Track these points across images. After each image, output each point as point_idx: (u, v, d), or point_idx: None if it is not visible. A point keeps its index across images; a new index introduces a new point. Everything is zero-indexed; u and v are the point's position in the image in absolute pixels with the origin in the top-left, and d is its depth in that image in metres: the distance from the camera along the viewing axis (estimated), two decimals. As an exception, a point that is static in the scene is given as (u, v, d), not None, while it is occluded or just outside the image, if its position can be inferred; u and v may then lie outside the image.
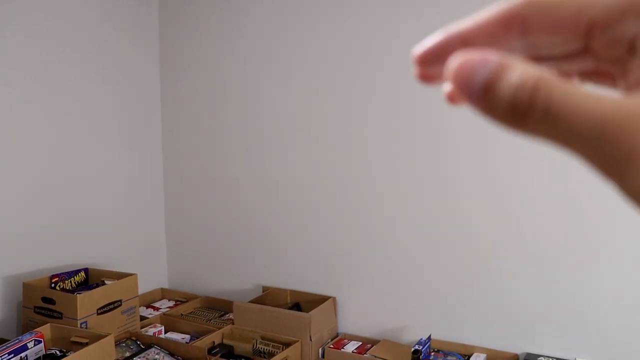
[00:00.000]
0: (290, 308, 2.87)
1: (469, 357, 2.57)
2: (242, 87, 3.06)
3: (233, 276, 3.20)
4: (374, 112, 2.73)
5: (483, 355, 2.55)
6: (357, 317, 2.87)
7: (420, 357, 2.44)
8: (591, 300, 2.42)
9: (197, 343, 2.58)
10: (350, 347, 2.72)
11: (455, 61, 0.23)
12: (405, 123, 2.67)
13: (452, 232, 2.63)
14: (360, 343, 2.77)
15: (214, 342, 2.69)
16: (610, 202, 2.32)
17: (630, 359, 2.38)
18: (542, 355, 2.51)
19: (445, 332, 2.67)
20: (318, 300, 2.85)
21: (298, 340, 2.64)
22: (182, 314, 3.02)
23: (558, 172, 2.40)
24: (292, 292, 3.01)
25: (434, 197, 2.64)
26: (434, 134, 2.62)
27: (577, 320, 2.46)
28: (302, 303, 2.95)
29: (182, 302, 3.17)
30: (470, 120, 2.51)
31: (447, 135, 2.59)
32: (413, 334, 2.71)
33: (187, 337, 2.78)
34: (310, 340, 2.65)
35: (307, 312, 2.69)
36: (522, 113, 0.22)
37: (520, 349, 2.57)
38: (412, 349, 2.45)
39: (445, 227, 2.64)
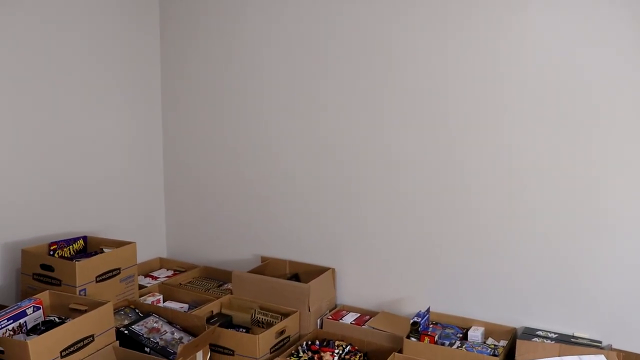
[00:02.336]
0: (289, 279, 2.87)
1: (467, 329, 2.57)
2: (243, 54, 3.02)
3: (232, 246, 3.20)
4: (375, 78, 2.69)
5: (481, 329, 2.56)
6: (356, 288, 2.87)
7: (419, 329, 2.44)
8: (590, 275, 2.42)
9: (196, 312, 2.59)
10: (349, 318, 2.73)
11: None
12: (409, 89, 2.64)
13: (453, 205, 2.62)
14: (359, 314, 2.77)
15: (212, 312, 2.70)
16: (610, 176, 2.31)
17: (627, 334, 2.39)
18: (540, 329, 2.52)
19: (444, 305, 2.68)
20: (317, 271, 2.85)
21: (296, 311, 2.64)
22: (180, 284, 3.02)
23: (557, 146, 2.38)
24: (291, 262, 3.01)
25: (435, 169, 2.63)
26: (440, 100, 2.59)
27: (575, 295, 2.46)
28: (301, 274, 2.95)
29: (181, 272, 3.17)
30: (479, 89, 2.49)
31: (454, 103, 2.56)
32: (412, 306, 2.71)
33: (186, 306, 2.78)
34: (309, 310, 2.65)
35: (306, 282, 2.69)
36: None
37: (518, 322, 2.57)
38: (411, 321, 2.46)
39: (447, 200, 2.63)
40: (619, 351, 2.33)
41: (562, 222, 2.43)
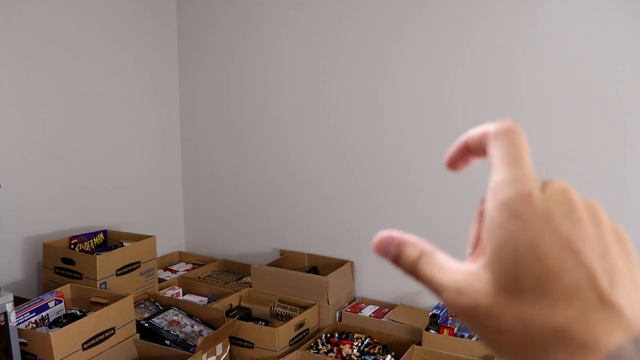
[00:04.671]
0: (308, 272, 2.87)
1: (487, 322, 2.56)
2: (262, 50, 3.02)
3: (250, 240, 3.21)
4: (391, 77, 2.68)
5: (501, 321, 2.54)
6: (375, 281, 2.87)
7: (438, 321, 2.44)
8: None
9: (215, 305, 2.60)
10: (368, 311, 2.73)
11: (376, 238, 0.35)
12: (424, 90, 2.63)
13: (468, 196, 2.60)
14: (378, 307, 2.77)
15: (231, 305, 2.71)
16: (614, 173, 2.30)
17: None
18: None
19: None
20: (335, 264, 2.85)
21: (315, 304, 2.64)
22: (199, 277, 3.03)
23: (567, 142, 2.36)
24: (310, 255, 3.01)
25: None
26: (447, 98, 2.58)
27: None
28: (319, 267, 2.95)
29: (200, 265, 3.19)
30: (484, 88, 2.48)
31: (461, 101, 2.55)
32: (430, 299, 2.70)
33: (205, 299, 2.79)
34: (328, 303, 2.65)
35: (325, 275, 2.69)
36: (412, 274, 0.34)
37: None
38: (430, 313, 2.45)
39: (462, 191, 2.61)
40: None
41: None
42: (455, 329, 2.45)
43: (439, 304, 2.51)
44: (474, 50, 2.50)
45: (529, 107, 2.43)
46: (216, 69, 3.18)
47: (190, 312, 2.50)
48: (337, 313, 2.73)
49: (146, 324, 2.33)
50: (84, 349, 2.00)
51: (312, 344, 2.48)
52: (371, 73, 2.74)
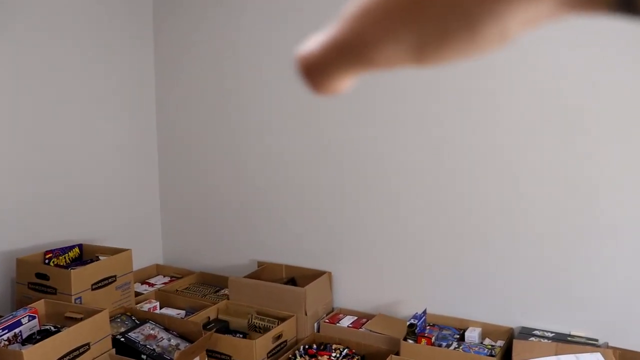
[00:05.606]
0: (286, 283, 2.87)
1: (464, 330, 2.57)
2: (237, 56, 3.02)
3: (228, 252, 3.19)
4: (370, 83, 2.70)
5: (478, 329, 2.56)
6: (353, 291, 2.87)
7: (416, 330, 2.44)
8: (586, 274, 2.43)
9: (193, 318, 2.58)
10: (346, 321, 2.73)
11: None
12: (403, 95, 2.65)
13: (448, 207, 2.62)
14: (356, 317, 2.77)
15: (209, 318, 2.69)
16: (605, 176, 2.32)
17: (624, 332, 2.40)
18: (537, 329, 2.52)
19: (441, 306, 2.68)
20: (313, 275, 2.84)
21: (293, 315, 2.64)
22: (177, 290, 3.02)
23: (554, 148, 2.39)
24: (288, 267, 3.00)
25: (430, 172, 2.63)
26: (433, 105, 2.60)
27: (572, 294, 2.46)
28: (297, 278, 2.94)
29: (177, 278, 3.17)
30: (466, 92, 2.50)
31: (447, 108, 2.57)
32: (409, 308, 2.70)
33: (182, 312, 2.78)
34: (306, 314, 2.65)
35: (303, 287, 2.69)
36: None
37: (515, 322, 2.57)
38: (408, 323, 2.45)
39: (442, 202, 2.63)
40: (615, 349, 2.33)
41: (557, 223, 2.43)
42: (433, 338, 2.46)
43: (417, 313, 2.52)
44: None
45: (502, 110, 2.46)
46: (192, 78, 3.17)
47: (167, 325, 2.48)
48: (316, 324, 2.72)
49: (122, 339, 2.31)
50: (58, 366, 1.97)
51: (290, 356, 2.47)
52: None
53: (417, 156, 2.64)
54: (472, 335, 2.52)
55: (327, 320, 2.73)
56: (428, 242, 2.69)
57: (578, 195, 2.39)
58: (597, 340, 2.43)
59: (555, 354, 2.32)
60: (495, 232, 2.55)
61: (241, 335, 2.62)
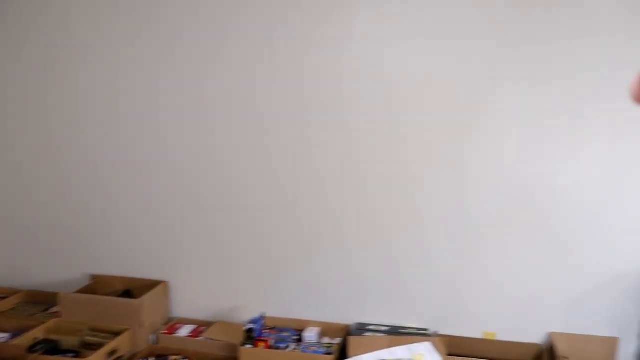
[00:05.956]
0: (122, 295, 2.76)
1: (303, 331, 2.61)
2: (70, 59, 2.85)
3: (58, 266, 3.00)
4: (203, 82, 2.65)
5: (316, 329, 2.61)
6: (191, 300, 2.82)
7: (254, 335, 2.45)
8: (414, 269, 2.57)
9: (17, 341, 2.41)
10: (184, 331, 2.68)
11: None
12: (219, 91, 2.63)
13: (282, 213, 2.65)
14: (195, 326, 2.73)
15: (36, 339, 2.52)
16: (420, 175, 2.46)
17: (451, 320, 2.56)
18: (372, 324, 2.61)
19: (280, 309, 2.70)
20: (150, 286, 2.76)
21: (128, 329, 2.54)
22: (1, 311, 2.80)
23: (375, 151, 2.49)
24: (123, 279, 2.88)
25: (263, 178, 2.63)
26: (257, 104, 2.60)
27: (402, 289, 2.60)
28: (133, 289, 2.84)
29: (2, 298, 2.94)
30: (286, 95, 2.53)
31: (265, 108, 2.59)
32: (249, 314, 2.69)
33: (7, 335, 2.58)
34: (143, 327, 2.57)
35: (139, 298, 2.60)
36: None
37: (351, 319, 2.66)
38: (245, 328, 2.45)
39: (274, 207, 2.65)
40: (443, 336, 2.49)
41: (386, 223, 2.55)
42: (272, 341, 2.47)
43: (254, 317, 2.52)
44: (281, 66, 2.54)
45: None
46: (15, 86, 2.94)
47: (-14, 351, 2.30)
48: (153, 336, 2.64)
49: None
50: None
51: (125, 372, 2.39)
52: (185, 79, 2.68)
53: (249, 163, 2.64)
54: (310, 335, 2.57)
55: (165, 331, 2.66)
56: (265, 248, 2.70)
57: (402, 199, 2.51)
58: (427, 330, 2.57)
59: (389, 347, 2.42)
60: (328, 235, 2.62)
61: (73, 355, 2.48)
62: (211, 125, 2.65)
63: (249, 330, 2.45)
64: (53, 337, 2.58)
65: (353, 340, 2.42)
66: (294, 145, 2.57)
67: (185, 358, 2.50)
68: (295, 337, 2.57)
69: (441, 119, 2.41)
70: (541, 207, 2.41)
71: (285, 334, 2.58)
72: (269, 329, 2.63)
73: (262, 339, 2.46)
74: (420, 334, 2.52)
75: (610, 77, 2.24)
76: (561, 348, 2.42)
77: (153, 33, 2.63)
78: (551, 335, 2.50)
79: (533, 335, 2.54)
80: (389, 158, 2.49)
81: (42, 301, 2.95)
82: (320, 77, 2.48)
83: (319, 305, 2.68)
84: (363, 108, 2.46)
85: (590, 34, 2.22)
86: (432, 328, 2.59)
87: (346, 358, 2.37)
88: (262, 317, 2.57)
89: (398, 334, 2.52)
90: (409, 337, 2.46)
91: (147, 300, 2.61)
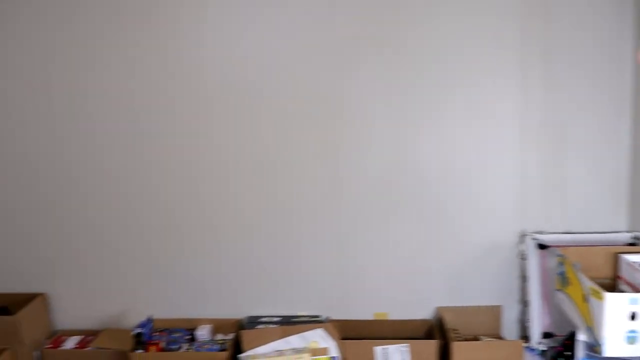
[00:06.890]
0: (-3, 313, 2.60)
1: (195, 330, 2.56)
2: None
3: None
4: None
5: (208, 326, 2.58)
6: (75, 310, 2.69)
7: (144, 339, 2.38)
8: (298, 258, 2.62)
9: None
10: (71, 343, 2.57)
11: None
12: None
13: (159, 213, 2.59)
14: (82, 336, 2.62)
15: None
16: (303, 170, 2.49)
17: (341, 305, 2.62)
18: (264, 316, 2.61)
19: (168, 310, 2.64)
20: (27, 300, 2.60)
21: (7, 348, 2.40)
22: None
23: (246, 138, 2.50)
24: (-5, 294, 2.70)
25: (144, 178, 2.55)
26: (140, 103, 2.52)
27: (289, 278, 2.63)
28: (10, 305, 2.66)
29: None
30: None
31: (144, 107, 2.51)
32: (134, 318, 2.61)
33: None
34: (23, 344, 2.43)
35: (15, 314, 2.45)
36: None
37: (244, 313, 2.65)
38: (133, 333, 2.38)
39: (155, 208, 2.58)
40: (336, 321, 2.52)
41: (264, 214, 2.58)
42: (163, 343, 2.42)
43: (142, 321, 2.45)
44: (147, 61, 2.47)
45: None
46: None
47: None
48: (37, 352, 2.50)
49: None
50: None
51: (7, 394, 2.25)
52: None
53: (105, 164, 2.55)
54: (203, 333, 2.54)
55: (49, 346, 2.53)
56: (145, 248, 2.63)
57: (278, 183, 2.54)
58: (319, 316, 2.60)
59: (283, 337, 2.42)
60: (205, 231, 2.60)
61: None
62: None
63: (138, 335, 2.38)
64: None
65: (246, 334, 2.41)
66: (139, 139, 2.52)
67: (74, 371, 2.39)
68: (187, 337, 2.53)
69: (308, 104, 2.45)
70: (418, 187, 2.52)
71: (176, 335, 2.53)
72: (159, 331, 2.57)
73: (153, 342, 2.40)
74: (312, 321, 2.55)
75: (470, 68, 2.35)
76: (449, 320, 2.53)
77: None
78: (438, 309, 2.60)
79: (423, 311, 2.63)
80: (260, 145, 2.50)
81: None
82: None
83: (208, 302, 2.65)
84: (226, 95, 2.47)
85: (446, 19, 2.35)
86: (324, 314, 2.63)
87: (241, 353, 2.35)
88: (150, 320, 2.51)
89: (290, 324, 2.53)
90: (302, 326, 2.48)
91: (24, 315, 2.47)
